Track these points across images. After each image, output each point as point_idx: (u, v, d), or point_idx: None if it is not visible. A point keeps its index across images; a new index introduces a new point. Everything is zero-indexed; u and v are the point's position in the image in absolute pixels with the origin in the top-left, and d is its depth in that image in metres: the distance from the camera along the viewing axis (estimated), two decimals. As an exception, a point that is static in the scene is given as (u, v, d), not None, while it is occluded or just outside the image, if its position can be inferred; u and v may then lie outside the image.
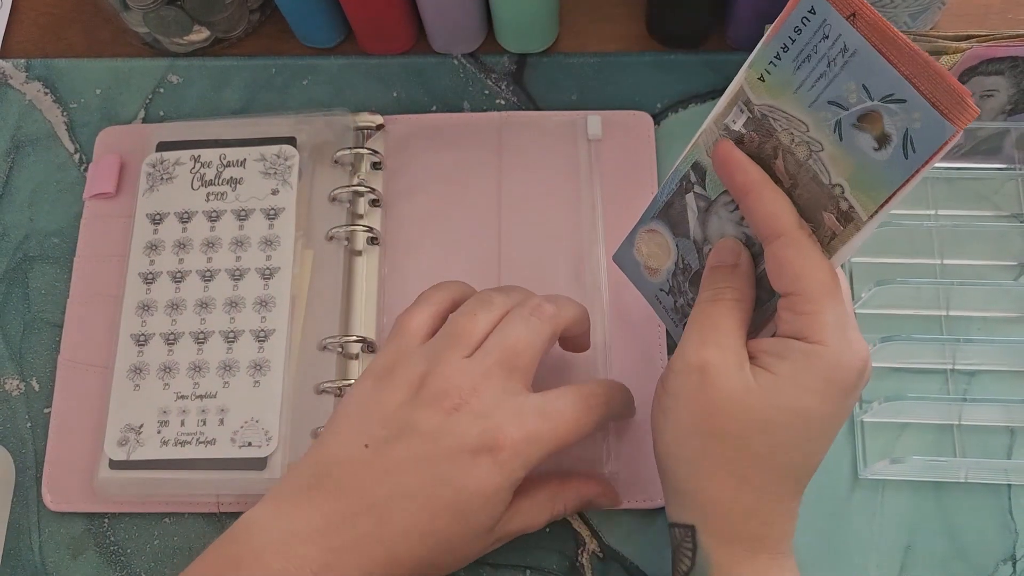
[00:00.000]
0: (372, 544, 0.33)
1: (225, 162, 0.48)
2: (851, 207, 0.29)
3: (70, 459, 0.45)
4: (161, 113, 0.52)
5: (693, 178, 0.36)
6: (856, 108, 0.27)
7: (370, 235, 0.47)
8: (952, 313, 0.44)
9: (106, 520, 0.44)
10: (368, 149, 0.49)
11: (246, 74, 0.53)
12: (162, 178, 0.49)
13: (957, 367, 0.44)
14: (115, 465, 0.43)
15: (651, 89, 0.50)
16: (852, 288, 0.45)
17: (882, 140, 0.27)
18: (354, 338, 0.45)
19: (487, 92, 0.51)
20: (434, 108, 0.51)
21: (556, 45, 0.52)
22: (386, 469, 0.34)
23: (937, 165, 0.47)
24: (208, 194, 0.48)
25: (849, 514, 0.42)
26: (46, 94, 0.53)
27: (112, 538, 0.44)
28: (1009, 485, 0.42)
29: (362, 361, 0.45)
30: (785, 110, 0.29)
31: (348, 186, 0.48)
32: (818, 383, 0.31)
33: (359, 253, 0.47)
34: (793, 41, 0.28)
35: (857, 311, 0.44)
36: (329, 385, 0.44)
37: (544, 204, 0.48)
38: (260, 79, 0.53)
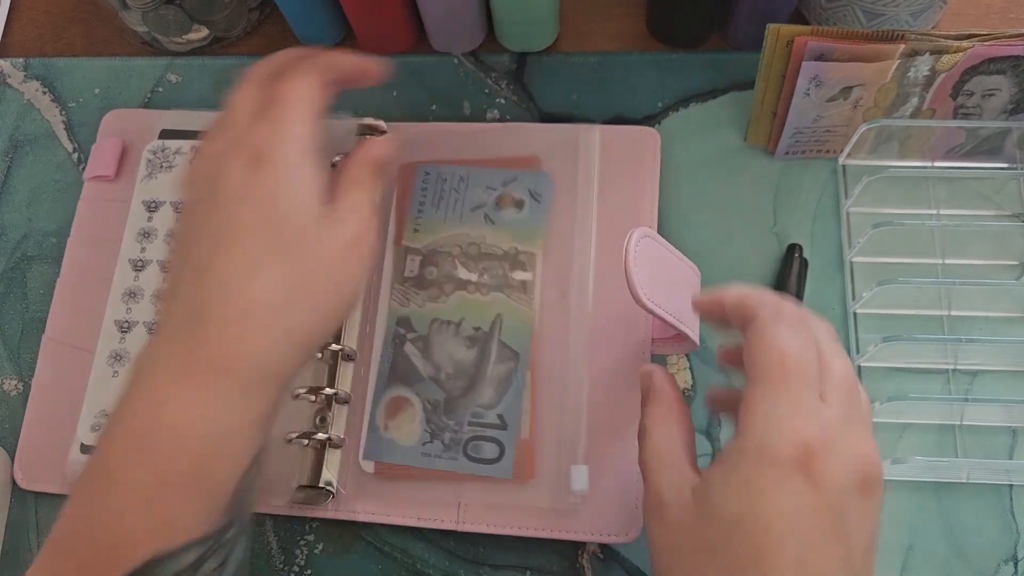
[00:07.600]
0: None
1: None
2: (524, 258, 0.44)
3: (44, 439, 0.45)
4: (160, 112, 0.52)
5: (402, 331, 0.44)
6: (490, 200, 0.46)
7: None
8: (954, 313, 0.44)
9: (105, 521, 0.44)
10: None
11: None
12: (162, 166, 0.48)
13: (959, 367, 0.43)
14: (86, 450, 0.43)
15: (651, 88, 0.50)
16: (853, 288, 0.45)
17: (519, 204, 0.45)
18: (334, 346, 0.43)
19: (487, 91, 0.51)
20: (433, 107, 0.51)
21: (556, 44, 0.52)
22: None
23: (939, 164, 0.47)
24: None
25: (850, 515, 0.42)
26: (44, 93, 0.53)
27: (111, 539, 0.44)
28: (1011, 485, 0.42)
29: (341, 369, 0.44)
30: (440, 235, 0.45)
31: None
32: (739, 478, 0.27)
33: None
34: (425, 196, 0.46)
35: (858, 311, 0.44)
36: (305, 391, 0.42)
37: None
38: (259, 78, 0.52)
